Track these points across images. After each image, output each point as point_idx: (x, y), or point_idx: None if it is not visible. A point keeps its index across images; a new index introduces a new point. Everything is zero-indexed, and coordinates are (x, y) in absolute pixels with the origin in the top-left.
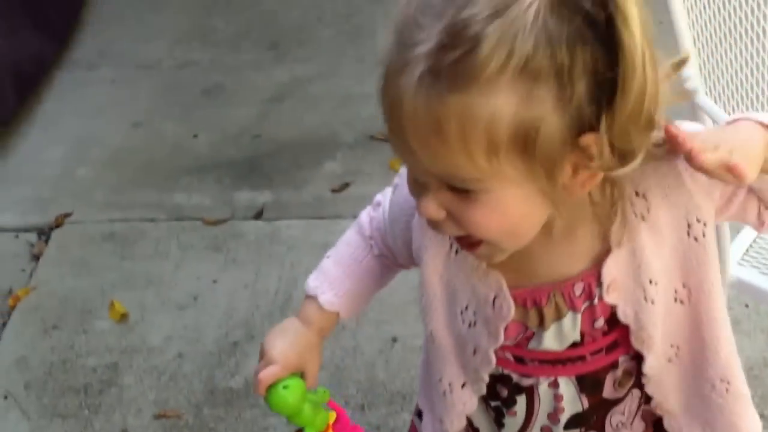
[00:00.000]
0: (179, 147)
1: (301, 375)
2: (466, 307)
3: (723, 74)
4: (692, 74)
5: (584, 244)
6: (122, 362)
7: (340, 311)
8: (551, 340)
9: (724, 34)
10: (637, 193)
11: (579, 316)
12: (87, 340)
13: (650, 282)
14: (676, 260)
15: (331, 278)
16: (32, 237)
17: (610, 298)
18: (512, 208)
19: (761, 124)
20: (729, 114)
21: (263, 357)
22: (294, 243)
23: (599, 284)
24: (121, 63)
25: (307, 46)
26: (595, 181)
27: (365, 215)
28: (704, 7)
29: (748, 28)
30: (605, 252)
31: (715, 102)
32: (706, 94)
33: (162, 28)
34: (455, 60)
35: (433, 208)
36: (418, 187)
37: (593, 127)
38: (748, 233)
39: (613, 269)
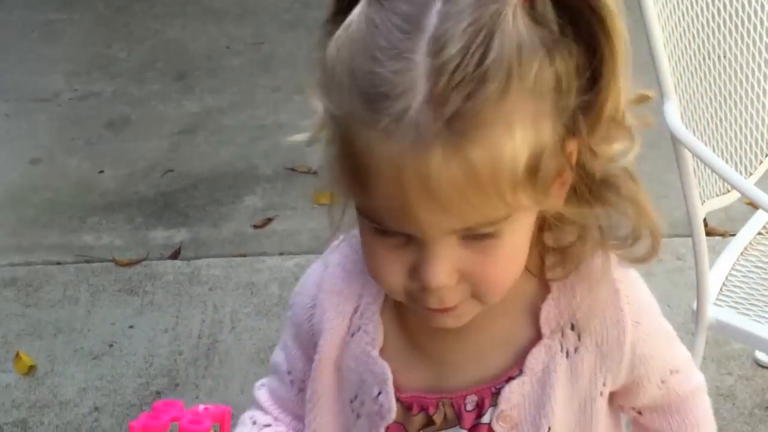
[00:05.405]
0: (84, 184)
1: None
2: (356, 397)
3: (698, 106)
4: (671, 110)
5: (500, 340)
6: (32, 419)
7: None
8: None
9: (699, 63)
10: (572, 326)
11: None
12: None
13: (548, 430)
14: (578, 417)
15: None
16: None
17: (498, 427)
18: (521, 241)
19: None
20: (707, 145)
21: None
22: (216, 283)
23: (494, 404)
24: (14, 96)
25: (217, 75)
26: (565, 190)
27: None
28: (680, 37)
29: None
30: (515, 366)
31: (693, 134)
32: (686, 127)
33: (58, 59)
34: (464, 99)
35: (446, 273)
36: (405, 262)
37: (575, 132)
38: (719, 271)
39: (514, 396)
